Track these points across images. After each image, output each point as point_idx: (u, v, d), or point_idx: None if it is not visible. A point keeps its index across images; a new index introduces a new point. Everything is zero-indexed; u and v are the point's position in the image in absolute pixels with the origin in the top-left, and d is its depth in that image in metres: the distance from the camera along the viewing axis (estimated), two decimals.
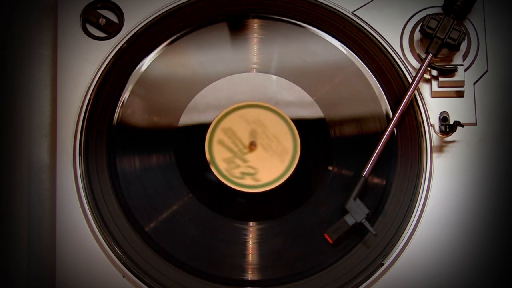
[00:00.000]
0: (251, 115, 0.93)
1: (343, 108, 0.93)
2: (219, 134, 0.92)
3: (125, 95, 0.93)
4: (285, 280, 0.89)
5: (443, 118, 0.91)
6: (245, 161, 0.92)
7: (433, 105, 0.92)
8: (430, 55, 0.90)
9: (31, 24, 0.98)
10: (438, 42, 0.90)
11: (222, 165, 0.92)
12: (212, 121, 0.93)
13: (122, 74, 0.94)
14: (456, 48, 0.91)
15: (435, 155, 0.91)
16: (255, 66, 0.94)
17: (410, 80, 0.92)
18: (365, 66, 0.94)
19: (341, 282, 0.89)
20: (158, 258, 0.90)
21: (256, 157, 0.92)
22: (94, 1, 0.95)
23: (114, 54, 0.94)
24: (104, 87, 0.93)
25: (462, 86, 0.92)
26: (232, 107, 0.93)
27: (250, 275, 0.90)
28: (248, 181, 0.91)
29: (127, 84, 0.94)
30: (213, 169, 0.91)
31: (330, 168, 0.92)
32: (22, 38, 0.98)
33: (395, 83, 0.93)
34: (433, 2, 0.94)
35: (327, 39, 0.95)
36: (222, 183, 0.91)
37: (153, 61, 0.94)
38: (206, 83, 0.94)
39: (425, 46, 0.92)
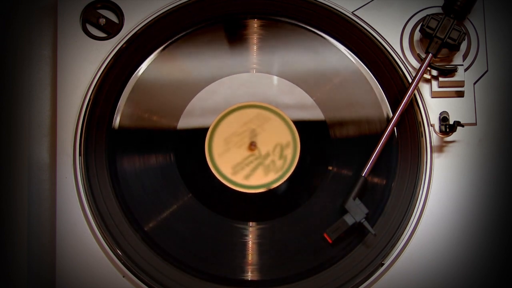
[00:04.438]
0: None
1: (342, 108, 0.93)
2: (237, 177, 0.91)
3: (125, 95, 0.93)
4: (285, 280, 0.89)
5: (443, 118, 0.91)
6: (267, 155, 0.92)
7: (433, 105, 0.92)
8: (430, 55, 0.90)
9: (31, 24, 0.98)
10: (438, 42, 0.90)
11: (270, 178, 0.91)
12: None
13: (122, 74, 0.94)
14: (456, 48, 0.91)
15: (435, 155, 0.91)
16: (255, 66, 0.94)
17: (410, 80, 0.92)
18: (364, 66, 0.94)
19: (341, 282, 0.89)
20: (158, 258, 0.90)
21: (266, 143, 0.92)
22: (94, 1, 0.95)
23: (114, 54, 0.94)
24: (104, 87, 0.93)
25: (462, 86, 0.92)
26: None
27: (250, 275, 0.90)
28: (288, 156, 0.91)
29: (127, 84, 0.94)
30: (270, 187, 0.91)
31: (330, 168, 0.92)
32: (22, 38, 0.98)
33: (395, 83, 0.93)
34: (433, 2, 0.94)
35: (327, 39, 0.95)
36: (286, 181, 0.91)
37: (153, 61, 0.94)
38: (205, 84, 0.94)
39: (425, 46, 0.92)
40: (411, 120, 0.92)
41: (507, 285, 0.89)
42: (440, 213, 0.90)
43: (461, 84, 0.92)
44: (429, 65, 0.91)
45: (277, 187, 0.91)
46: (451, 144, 0.92)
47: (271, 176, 0.91)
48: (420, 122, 0.92)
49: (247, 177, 0.91)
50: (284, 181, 0.91)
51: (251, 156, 0.92)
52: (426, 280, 0.89)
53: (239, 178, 0.91)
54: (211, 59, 0.95)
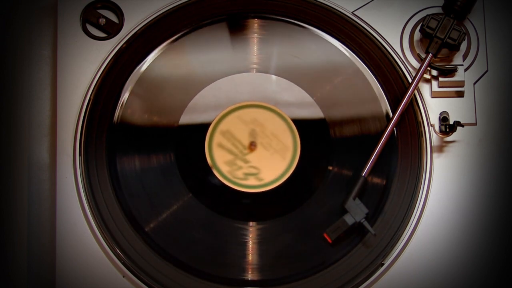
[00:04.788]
0: (249, 115, 0.93)
1: (343, 108, 0.93)
2: (218, 137, 0.92)
3: (125, 95, 0.93)
4: (285, 280, 0.89)
5: (443, 118, 0.91)
6: (246, 161, 0.92)
7: (433, 105, 0.92)
8: (430, 55, 0.90)
9: (31, 24, 0.98)
10: (438, 42, 0.90)
11: (224, 168, 0.92)
12: (212, 121, 0.93)
13: (122, 74, 0.94)
14: (456, 48, 0.91)
15: (435, 155, 0.91)
16: (255, 66, 0.94)
17: (410, 80, 0.92)
18: (365, 66, 0.94)
19: (341, 282, 0.89)
20: (158, 258, 0.90)
21: (257, 157, 0.92)
22: (94, 1, 0.95)
23: (114, 54, 0.94)
24: (104, 87, 0.93)
25: (462, 86, 0.92)
26: (232, 107, 0.93)
27: (250, 275, 0.90)
28: (251, 181, 0.91)
29: (127, 84, 0.94)
30: (215, 172, 0.91)
31: (330, 168, 0.92)
32: (22, 38, 0.98)
33: (395, 83, 0.93)
34: (433, 2, 0.94)
35: (327, 39, 0.95)
36: (226, 185, 0.91)
37: (153, 61, 0.94)
38: (206, 83, 0.94)
39: (425, 46, 0.92)
40: (411, 120, 0.92)
41: (507, 285, 0.89)
42: (440, 213, 0.90)
43: (461, 84, 0.92)
44: (429, 65, 0.91)
45: (211, 175, 0.91)
46: (451, 144, 0.92)
47: (225, 168, 0.91)
48: (420, 122, 0.92)
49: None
50: (220, 181, 0.91)
51: (253, 156, 0.92)
52: (426, 280, 0.89)
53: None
54: (211, 59, 0.95)
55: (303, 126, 0.93)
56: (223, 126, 0.93)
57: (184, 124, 0.93)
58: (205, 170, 0.92)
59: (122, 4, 0.95)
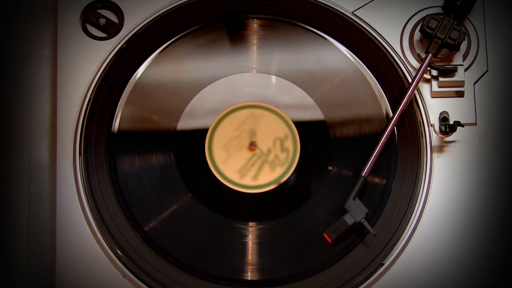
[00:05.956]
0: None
1: (342, 108, 0.93)
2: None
3: (125, 95, 0.93)
4: (285, 280, 0.89)
5: (443, 118, 0.91)
6: (270, 150, 0.92)
7: (433, 105, 0.92)
8: (430, 55, 0.90)
9: (31, 24, 0.98)
10: (438, 42, 0.90)
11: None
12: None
13: (122, 74, 0.94)
14: (456, 48, 0.91)
15: (435, 155, 0.91)
16: (255, 66, 0.94)
17: (410, 80, 0.92)
18: (365, 66, 0.94)
19: (341, 282, 0.89)
20: (158, 258, 0.90)
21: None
22: (94, 1, 0.95)
23: (114, 54, 0.94)
24: (104, 87, 0.93)
25: (462, 86, 0.92)
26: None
27: (250, 275, 0.90)
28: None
29: (127, 84, 0.94)
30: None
31: (330, 168, 0.92)
32: (22, 38, 0.98)
33: (395, 83, 0.93)
34: (433, 2, 0.94)
35: (327, 39, 0.95)
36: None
37: (153, 61, 0.94)
38: (206, 84, 0.94)
39: (425, 46, 0.92)
40: (411, 120, 0.92)
41: (507, 285, 0.89)
42: (440, 213, 0.90)
43: (461, 84, 0.92)
44: (429, 65, 0.91)
45: (287, 179, 0.91)
46: (451, 144, 0.92)
47: (278, 171, 0.91)
48: (420, 122, 0.92)
49: (255, 177, 0.91)
50: (292, 173, 0.91)
51: (254, 156, 0.92)
52: (426, 280, 0.89)
53: (247, 180, 0.91)
54: (211, 59, 0.95)
55: (303, 126, 0.93)
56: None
57: (184, 123, 0.93)
58: (205, 170, 0.92)
59: (122, 4, 0.95)
